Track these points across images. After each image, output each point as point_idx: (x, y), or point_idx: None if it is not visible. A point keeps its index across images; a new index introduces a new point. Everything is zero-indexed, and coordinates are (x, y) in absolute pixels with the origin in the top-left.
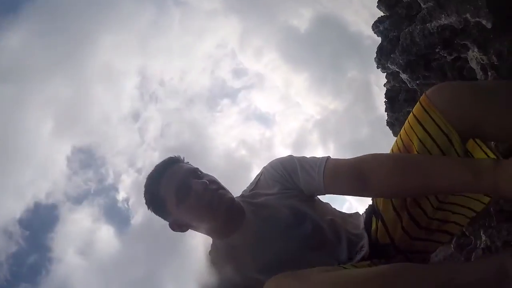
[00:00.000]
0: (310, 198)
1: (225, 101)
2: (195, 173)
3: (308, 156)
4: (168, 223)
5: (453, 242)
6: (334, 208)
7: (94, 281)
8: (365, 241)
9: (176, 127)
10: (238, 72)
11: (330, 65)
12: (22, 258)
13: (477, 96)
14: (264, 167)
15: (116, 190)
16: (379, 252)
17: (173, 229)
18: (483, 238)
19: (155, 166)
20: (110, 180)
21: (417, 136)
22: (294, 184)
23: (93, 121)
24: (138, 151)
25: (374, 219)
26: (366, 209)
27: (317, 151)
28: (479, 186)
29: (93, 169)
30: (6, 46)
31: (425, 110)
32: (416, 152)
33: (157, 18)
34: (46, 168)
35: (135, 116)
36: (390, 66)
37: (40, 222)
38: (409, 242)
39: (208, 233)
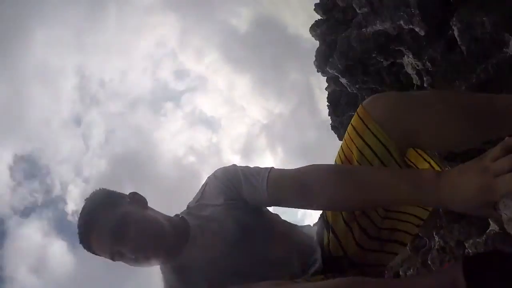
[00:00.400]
0: (258, 209)
1: (169, 105)
2: (120, 231)
3: (252, 166)
4: None
5: (408, 244)
6: (284, 220)
7: None
8: (318, 254)
9: (121, 132)
10: (180, 74)
11: (271, 66)
12: None
13: (411, 106)
14: (208, 177)
15: (64, 201)
16: (333, 265)
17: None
18: (437, 239)
19: (78, 226)
20: (57, 191)
21: (356, 147)
22: (239, 195)
23: (33, 126)
24: (84, 159)
25: (325, 232)
26: (317, 221)
27: (266, 156)
28: (421, 199)
29: (38, 179)
30: None
31: (362, 121)
32: (356, 163)
33: (92, 11)
34: None
35: (77, 120)
36: (329, 70)
37: None
38: (362, 254)
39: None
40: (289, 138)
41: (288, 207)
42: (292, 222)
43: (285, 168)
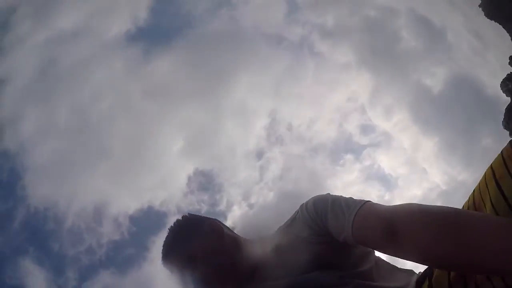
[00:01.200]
0: (345, 246)
1: (349, 156)
2: (187, 268)
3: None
4: None
5: None
6: (379, 258)
7: None
8: None
9: (296, 173)
10: (366, 128)
11: (463, 130)
12: (121, 247)
13: None
14: (301, 205)
15: (225, 217)
16: None
17: None
18: None
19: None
20: (222, 207)
21: (490, 196)
22: (326, 228)
23: (219, 150)
24: (255, 188)
25: (426, 283)
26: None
27: None
28: None
29: (209, 193)
30: (156, 69)
31: (505, 163)
32: None
33: (293, 65)
34: (168, 180)
35: (259, 154)
36: None
37: (147, 224)
38: None
39: None
40: None
41: (373, 249)
42: (391, 264)
43: None
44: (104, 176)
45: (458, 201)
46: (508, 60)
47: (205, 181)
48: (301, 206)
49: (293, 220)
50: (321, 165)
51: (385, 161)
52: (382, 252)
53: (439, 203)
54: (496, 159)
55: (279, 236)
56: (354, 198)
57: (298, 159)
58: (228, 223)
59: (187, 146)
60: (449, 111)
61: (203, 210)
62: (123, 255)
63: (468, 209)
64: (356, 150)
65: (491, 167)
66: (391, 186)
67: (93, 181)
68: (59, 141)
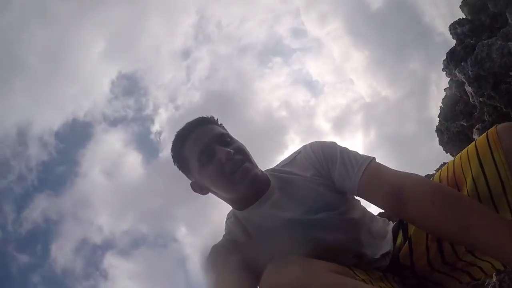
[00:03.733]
0: (341, 192)
1: (278, 59)
2: (223, 138)
3: (345, 145)
4: (190, 182)
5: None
6: (364, 207)
7: (112, 201)
8: (389, 253)
9: (224, 73)
10: (298, 33)
11: (393, 50)
12: (51, 167)
13: None
14: (304, 146)
15: (152, 121)
16: (396, 268)
17: (194, 190)
18: (494, 279)
19: (185, 124)
20: (148, 111)
21: (472, 172)
22: (329, 174)
23: (144, 51)
24: (181, 89)
25: (400, 234)
26: (396, 219)
27: (356, 134)
28: None
29: (135, 97)
30: None
31: (489, 145)
32: (466, 191)
33: None
34: (90, 87)
35: (185, 53)
36: (457, 73)
37: (74, 137)
38: (428, 271)
39: (227, 201)
40: (386, 124)
41: (376, 206)
42: (371, 212)
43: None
44: (22, 92)
45: (378, 115)
46: (460, 3)
47: (129, 85)
48: (305, 147)
49: (292, 160)
50: (249, 65)
51: (314, 67)
52: (383, 209)
53: (360, 113)
54: (480, 138)
55: (281, 171)
56: (360, 152)
57: (226, 59)
58: (156, 126)
59: (108, 47)
60: (383, 29)
61: (129, 116)
62: (55, 174)
63: (447, 178)
64: (286, 53)
65: (475, 145)
66: (317, 92)
67: (10, 100)
68: None
